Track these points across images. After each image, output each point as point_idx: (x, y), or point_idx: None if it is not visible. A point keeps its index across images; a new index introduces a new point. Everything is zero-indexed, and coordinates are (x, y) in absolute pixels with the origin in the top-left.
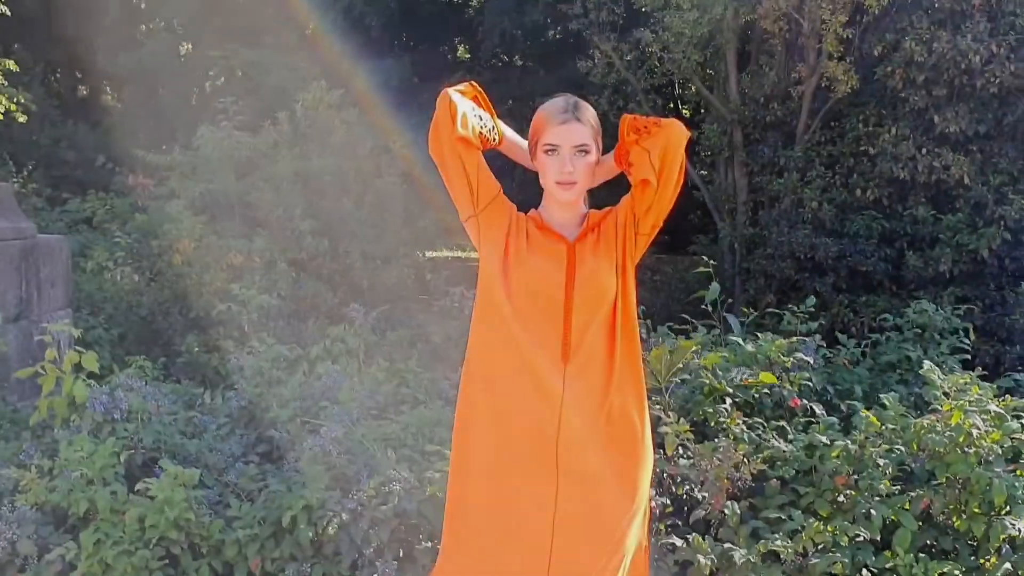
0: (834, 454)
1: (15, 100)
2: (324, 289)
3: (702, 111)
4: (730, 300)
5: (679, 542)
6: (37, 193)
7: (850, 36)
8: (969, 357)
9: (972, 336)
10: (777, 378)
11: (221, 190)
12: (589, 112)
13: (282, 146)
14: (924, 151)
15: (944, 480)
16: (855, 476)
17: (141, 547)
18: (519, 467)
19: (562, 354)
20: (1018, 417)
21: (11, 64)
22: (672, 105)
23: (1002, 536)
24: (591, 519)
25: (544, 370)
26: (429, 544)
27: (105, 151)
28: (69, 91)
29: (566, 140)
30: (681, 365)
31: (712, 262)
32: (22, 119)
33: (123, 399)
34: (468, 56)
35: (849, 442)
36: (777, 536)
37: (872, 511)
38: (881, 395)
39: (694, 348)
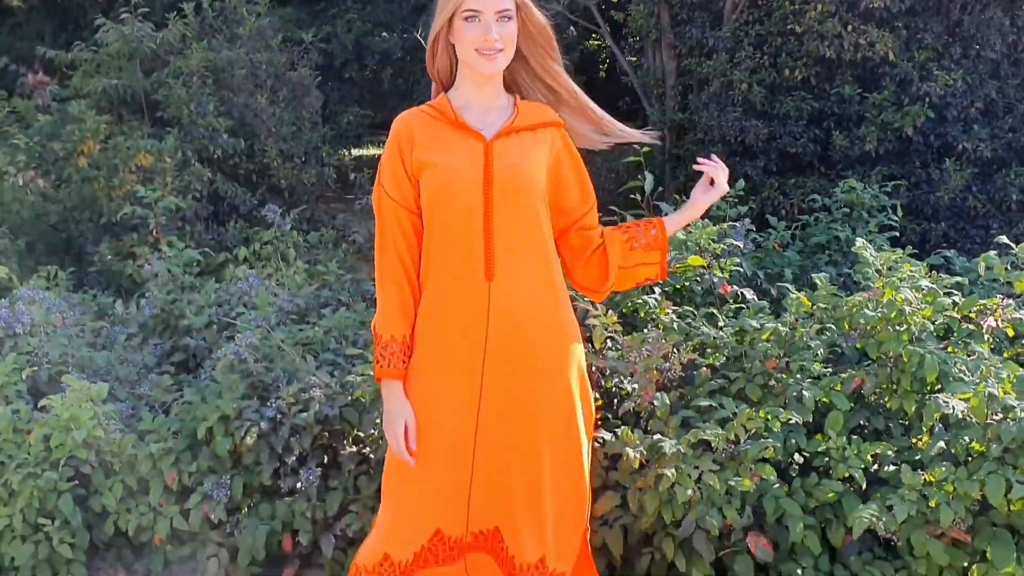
0: (764, 336)
1: None
2: (242, 190)
3: None
4: (660, 188)
5: (608, 435)
6: None
7: None
8: (897, 235)
9: (899, 214)
10: (707, 265)
11: (127, 87)
12: None
13: (190, 39)
14: (849, 28)
15: (876, 359)
16: (786, 359)
17: (48, 468)
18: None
19: (486, 266)
20: (949, 294)
21: None
22: None
23: (935, 414)
24: (520, 352)
25: (468, 288)
26: (354, 449)
27: (8, 52)
28: None
29: (488, 5)
30: None
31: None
32: None
33: (25, 312)
34: None
35: (779, 325)
36: (708, 424)
37: (804, 393)
38: (812, 275)
39: None
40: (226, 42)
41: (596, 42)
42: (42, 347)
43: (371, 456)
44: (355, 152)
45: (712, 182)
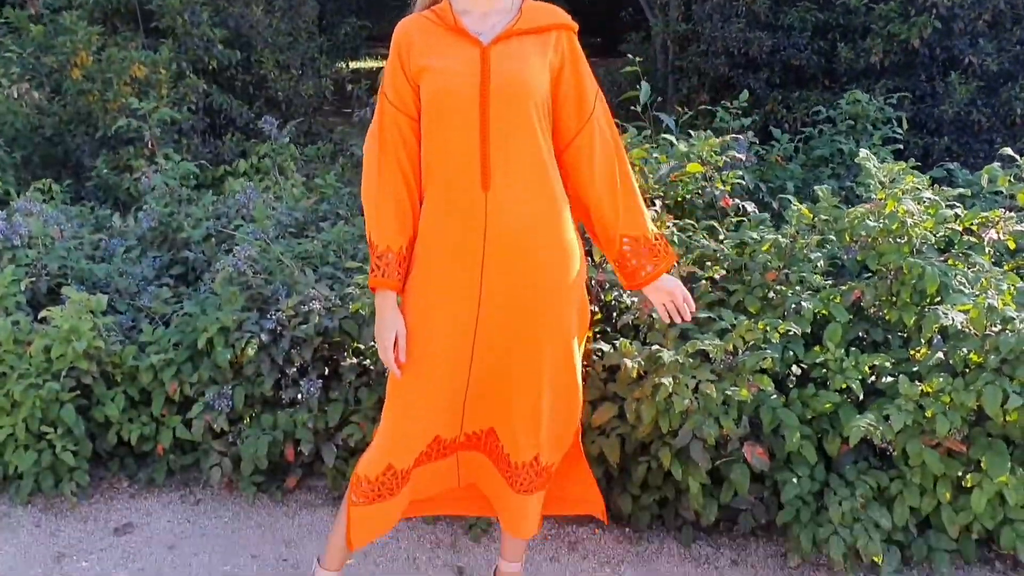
0: (764, 248)
1: None
2: (238, 103)
3: None
4: (662, 99)
5: (607, 347)
6: None
7: None
8: (901, 148)
9: (904, 127)
10: (708, 179)
11: None
12: None
13: None
14: None
15: (876, 271)
16: (785, 271)
17: (49, 379)
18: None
19: (482, 176)
20: (951, 206)
21: None
22: None
23: (934, 326)
24: (518, 263)
25: (466, 199)
26: (354, 361)
27: None
28: None
29: None
30: None
31: (642, 60)
32: None
33: (22, 224)
34: None
35: (780, 236)
36: (706, 336)
37: (803, 304)
38: (814, 188)
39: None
40: None
41: None
42: (41, 259)
43: (371, 368)
44: (353, 65)
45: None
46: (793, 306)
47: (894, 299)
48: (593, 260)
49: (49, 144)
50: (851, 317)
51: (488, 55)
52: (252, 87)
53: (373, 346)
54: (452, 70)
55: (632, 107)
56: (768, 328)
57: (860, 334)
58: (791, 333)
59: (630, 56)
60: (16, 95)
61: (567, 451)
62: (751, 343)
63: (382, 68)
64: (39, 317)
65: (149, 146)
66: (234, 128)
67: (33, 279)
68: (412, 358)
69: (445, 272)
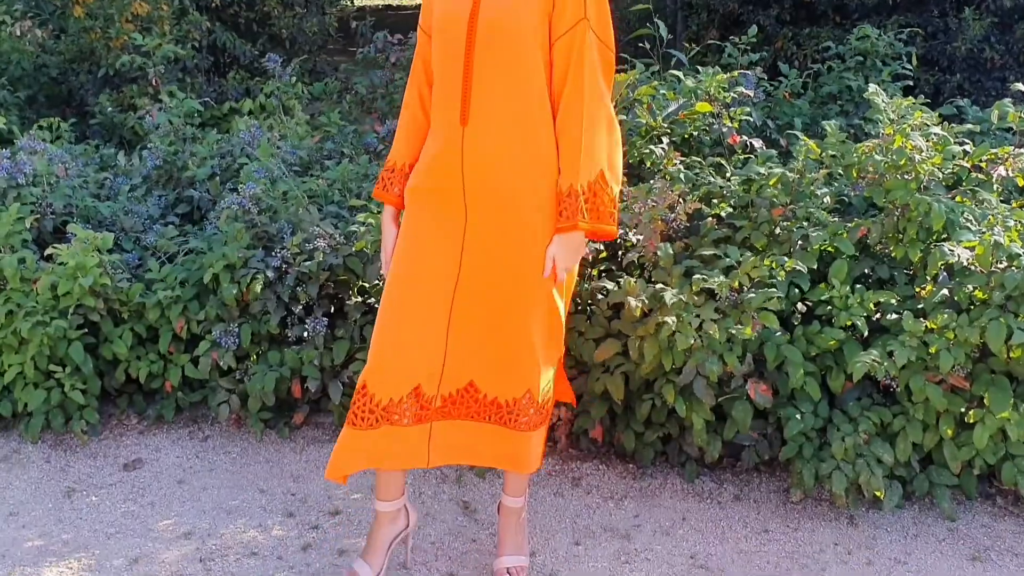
0: (771, 182)
1: None
2: (241, 41)
3: None
4: (671, 36)
5: (611, 285)
6: None
7: None
8: (911, 85)
9: (914, 63)
10: (716, 114)
11: None
12: None
13: None
14: None
15: (882, 208)
16: (792, 207)
17: (57, 316)
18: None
19: (461, 111)
20: (960, 142)
21: None
22: None
23: (940, 263)
24: (496, 202)
25: (447, 132)
26: (360, 299)
27: None
28: None
29: None
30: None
31: None
32: None
33: (27, 162)
34: None
35: (787, 171)
36: (712, 273)
37: (809, 236)
38: (822, 123)
39: (629, 82)
40: None
41: None
42: (46, 198)
43: (376, 306)
44: (358, 2)
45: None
46: (799, 241)
47: (900, 236)
48: None
49: (53, 83)
50: (857, 254)
51: None
52: (256, 24)
53: (378, 284)
54: (453, 3)
55: (641, 44)
56: (774, 265)
57: (866, 271)
58: (797, 270)
59: None
60: (19, 33)
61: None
62: (756, 280)
63: (387, 5)
64: (45, 255)
65: (153, 84)
66: (238, 66)
67: (38, 217)
68: (399, 276)
69: (431, 200)
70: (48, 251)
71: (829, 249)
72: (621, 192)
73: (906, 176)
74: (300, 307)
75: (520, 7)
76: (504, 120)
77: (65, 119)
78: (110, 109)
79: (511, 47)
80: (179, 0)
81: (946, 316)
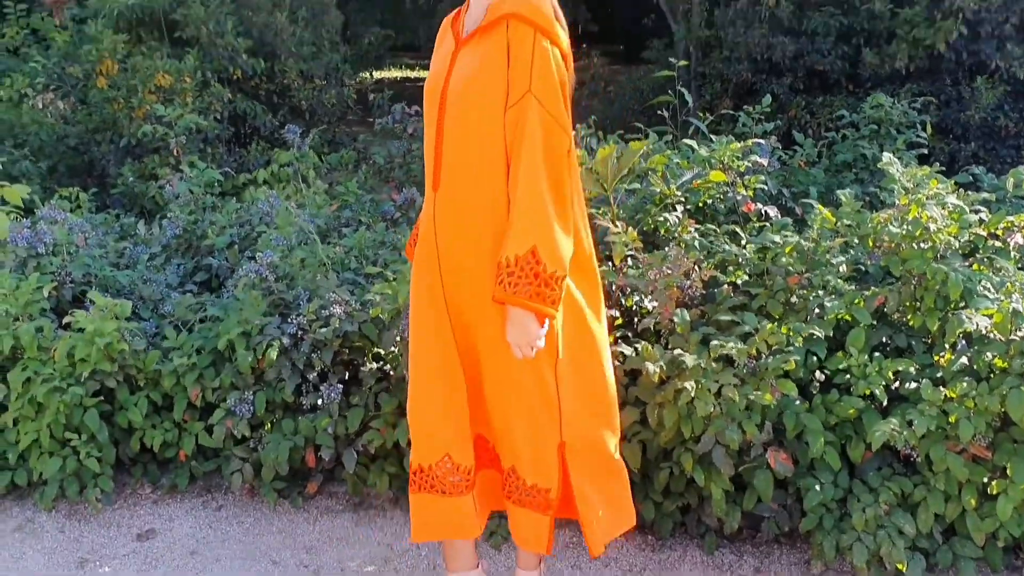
0: (787, 250)
1: None
2: (262, 111)
3: None
4: (687, 106)
5: (628, 351)
6: None
7: None
8: (926, 153)
9: (928, 131)
10: (731, 182)
11: (146, 6)
12: None
13: None
14: None
15: (899, 277)
16: (808, 275)
17: (73, 383)
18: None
19: (433, 176)
20: (976, 211)
21: None
22: None
23: (958, 331)
24: (463, 272)
25: (427, 197)
26: (375, 366)
27: None
28: None
29: None
30: (628, 171)
31: (681, 62)
32: None
33: (47, 232)
34: None
35: (802, 240)
36: (729, 339)
37: (826, 305)
38: (837, 192)
39: (643, 151)
40: None
41: None
42: (65, 267)
43: (391, 373)
44: (376, 74)
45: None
46: (816, 310)
47: (918, 304)
48: (613, 264)
49: (74, 153)
50: (874, 322)
51: (456, 54)
52: (276, 96)
53: (393, 351)
54: (434, 68)
55: (658, 112)
56: (791, 332)
57: (883, 339)
58: (814, 337)
59: (652, 64)
60: (41, 105)
61: (580, 473)
62: (774, 347)
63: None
64: (63, 323)
65: (175, 154)
66: (258, 136)
67: (57, 286)
68: (410, 345)
69: (419, 267)
70: (67, 318)
71: (846, 318)
72: (636, 258)
73: (922, 245)
74: (315, 374)
75: (482, 75)
76: (468, 187)
77: (86, 189)
78: (131, 179)
79: (474, 115)
80: (202, 72)
81: (966, 385)
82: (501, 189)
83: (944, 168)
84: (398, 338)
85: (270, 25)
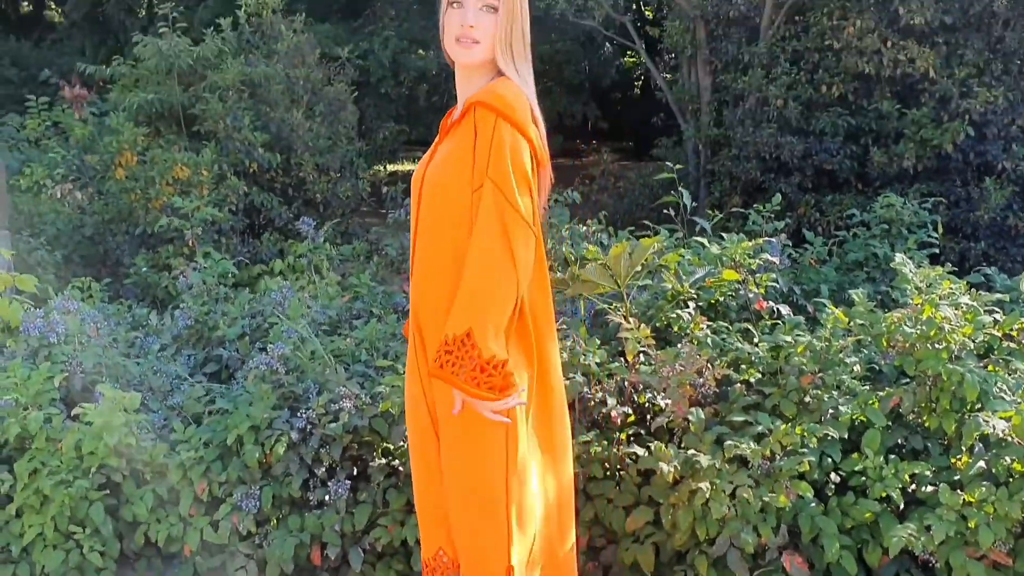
0: (799, 350)
1: None
2: (277, 203)
3: (664, 8)
4: (695, 203)
5: (641, 451)
6: None
7: None
8: (937, 252)
9: (939, 231)
10: (743, 280)
11: (165, 101)
12: None
13: (227, 55)
14: (889, 44)
15: (914, 377)
16: (821, 375)
17: (80, 476)
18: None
19: (411, 266)
20: (990, 311)
21: None
22: (634, 5)
23: (975, 434)
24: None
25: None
26: (383, 461)
27: (50, 67)
28: (11, 6)
29: None
30: (640, 268)
31: (677, 166)
32: None
33: (59, 322)
34: None
35: (814, 339)
36: (743, 439)
37: (840, 407)
38: (851, 292)
39: (655, 248)
40: (263, 58)
41: (631, 59)
42: (76, 357)
43: (400, 469)
44: (390, 167)
45: None
46: (830, 411)
47: (933, 406)
48: (625, 360)
49: (90, 243)
50: (889, 424)
51: (437, 146)
52: (291, 188)
53: (402, 446)
54: (419, 165)
55: (665, 210)
56: (805, 433)
57: (899, 441)
58: (828, 438)
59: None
60: (60, 195)
61: None
62: (788, 448)
63: None
64: (72, 414)
65: (189, 245)
66: (272, 227)
67: (67, 376)
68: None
69: (408, 362)
70: (75, 411)
71: (861, 418)
72: (648, 355)
73: (937, 346)
74: (323, 469)
75: (451, 162)
76: (438, 276)
77: (99, 278)
78: (144, 269)
79: (443, 202)
80: (218, 165)
81: (984, 489)
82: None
83: (955, 267)
84: (407, 433)
85: (287, 120)
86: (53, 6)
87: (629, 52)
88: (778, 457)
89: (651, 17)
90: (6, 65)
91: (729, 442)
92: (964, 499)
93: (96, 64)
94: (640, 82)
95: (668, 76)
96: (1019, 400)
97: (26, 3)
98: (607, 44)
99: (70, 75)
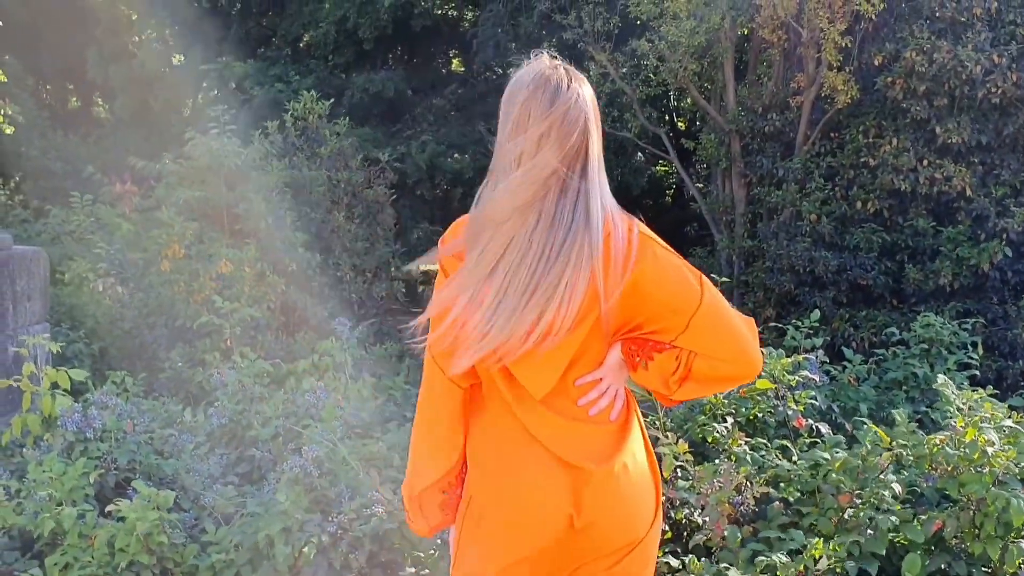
0: (836, 466)
1: (2, 112)
2: (313, 302)
3: (698, 122)
4: None
5: (675, 562)
6: (24, 205)
7: (849, 45)
8: (977, 373)
9: (980, 351)
10: (780, 397)
11: (210, 199)
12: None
13: (272, 157)
14: (925, 162)
15: (957, 501)
16: (859, 493)
17: (111, 572)
18: None
19: None
20: None
21: (1, 76)
22: (667, 117)
23: (1019, 560)
24: None
25: None
26: (412, 570)
27: (94, 162)
28: (59, 102)
29: None
30: None
31: (711, 275)
32: (9, 131)
33: (97, 417)
34: (462, 68)
35: (849, 456)
36: (777, 554)
37: (878, 522)
38: (890, 411)
39: None
40: (306, 160)
41: (664, 168)
42: (111, 453)
43: None
44: (423, 267)
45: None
46: (867, 526)
47: (977, 530)
48: (662, 475)
49: (126, 336)
50: (932, 548)
51: None
52: (327, 288)
53: (433, 554)
54: None
55: None
56: (840, 548)
57: (942, 566)
58: (865, 558)
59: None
60: (101, 288)
61: None
62: (830, 566)
63: None
64: (105, 511)
65: (227, 342)
66: (307, 327)
67: (102, 472)
68: None
69: None
70: (109, 507)
71: (902, 541)
72: (686, 469)
73: (980, 469)
74: (352, 574)
75: None
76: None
77: (134, 371)
78: (180, 363)
79: None
80: (260, 263)
81: None
82: None
83: (993, 385)
84: (438, 540)
85: (327, 221)
86: (100, 103)
87: (662, 161)
88: (811, 573)
89: (684, 129)
90: (52, 159)
91: (761, 557)
92: None
93: (140, 160)
94: (672, 191)
95: (701, 186)
96: None
97: (74, 99)
98: (639, 153)
99: (113, 170)
